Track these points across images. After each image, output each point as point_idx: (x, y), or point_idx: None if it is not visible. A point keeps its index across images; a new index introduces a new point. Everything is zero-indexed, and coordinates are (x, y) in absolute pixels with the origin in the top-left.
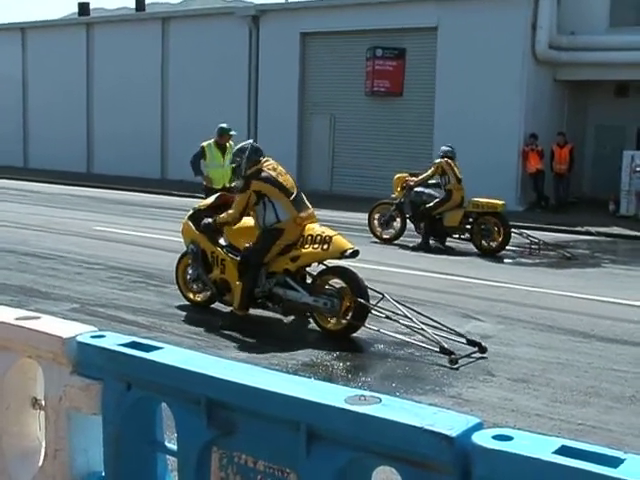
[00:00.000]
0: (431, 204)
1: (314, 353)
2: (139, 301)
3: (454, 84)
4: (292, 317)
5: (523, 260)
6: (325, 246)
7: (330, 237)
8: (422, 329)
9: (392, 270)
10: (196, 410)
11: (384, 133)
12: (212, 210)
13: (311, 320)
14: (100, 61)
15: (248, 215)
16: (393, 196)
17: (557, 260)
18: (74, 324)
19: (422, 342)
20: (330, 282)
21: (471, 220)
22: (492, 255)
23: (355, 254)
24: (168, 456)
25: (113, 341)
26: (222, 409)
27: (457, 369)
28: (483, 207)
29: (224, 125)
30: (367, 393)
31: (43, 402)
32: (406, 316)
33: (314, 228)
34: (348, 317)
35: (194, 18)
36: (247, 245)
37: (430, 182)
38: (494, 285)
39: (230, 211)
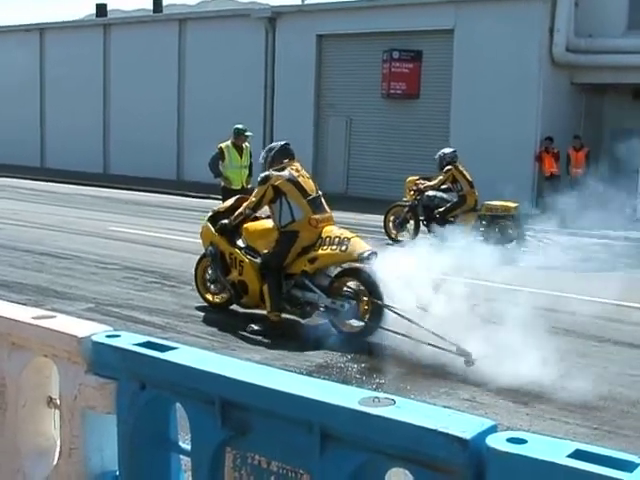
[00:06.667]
0: (444, 208)
1: (328, 355)
2: (154, 301)
3: (470, 86)
4: (310, 319)
5: (538, 263)
6: (343, 247)
7: (348, 239)
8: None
9: None
10: (210, 410)
11: (400, 135)
12: (231, 212)
13: (327, 322)
14: (117, 62)
15: (268, 218)
16: (405, 199)
17: (572, 263)
18: (89, 323)
19: (439, 344)
20: (348, 284)
21: (485, 223)
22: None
23: (373, 256)
24: (182, 456)
25: (128, 341)
26: (236, 409)
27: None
28: (497, 210)
29: (240, 126)
30: (381, 395)
31: (58, 401)
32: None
33: (332, 230)
34: (366, 319)
35: (211, 20)
36: (265, 251)
37: (442, 186)
38: (508, 288)
39: (246, 203)
